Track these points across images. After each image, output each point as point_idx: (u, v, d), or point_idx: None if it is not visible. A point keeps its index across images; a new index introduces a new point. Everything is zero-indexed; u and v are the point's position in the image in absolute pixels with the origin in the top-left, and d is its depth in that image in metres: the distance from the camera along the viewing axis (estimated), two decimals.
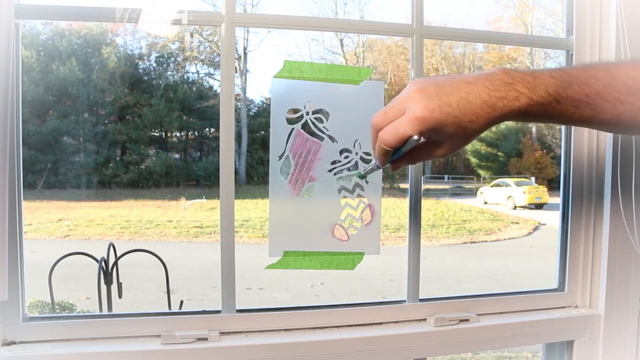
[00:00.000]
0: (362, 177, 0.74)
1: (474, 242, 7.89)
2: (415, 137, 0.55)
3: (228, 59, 0.86)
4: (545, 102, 0.55)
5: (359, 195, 0.91)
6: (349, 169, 0.90)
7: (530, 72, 0.56)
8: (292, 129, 0.88)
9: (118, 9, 0.82)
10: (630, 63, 0.58)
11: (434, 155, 0.61)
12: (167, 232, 7.22)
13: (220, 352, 0.83)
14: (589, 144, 1.02)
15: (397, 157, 0.60)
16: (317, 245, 0.90)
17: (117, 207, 7.95)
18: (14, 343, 0.81)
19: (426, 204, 9.10)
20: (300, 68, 0.87)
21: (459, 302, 0.99)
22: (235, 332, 0.88)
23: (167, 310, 2.02)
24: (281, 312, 0.91)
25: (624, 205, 0.97)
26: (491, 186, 10.44)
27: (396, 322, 0.95)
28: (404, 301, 0.97)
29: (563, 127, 1.04)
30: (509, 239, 8.06)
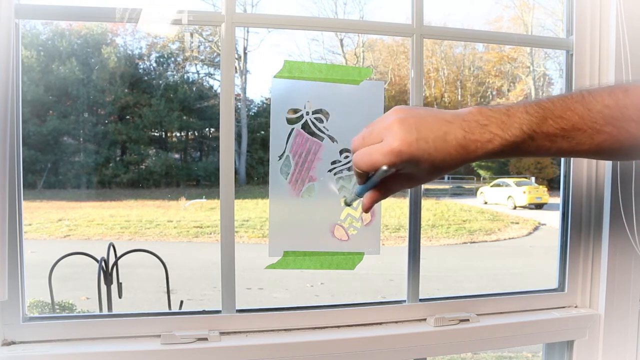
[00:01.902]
0: (348, 204, 0.75)
1: (474, 242, 7.89)
2: (385, 167, 0.55)
3: (228, 59, 0.86)
4: (519, 141, 0.56)
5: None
6: (348, 169, 0.90)
7: (505, 109, 0.56)
8: (292, 129, 0.88)
9: (118, 9, 0.82)
10: (605, 90, 0.57)
11: (405, 187, 0.62)
12: (167, 232, 7.22)
13: (220, 352, 0.83)
14: None
15: (373, 183, 0.60)
16: (317, 245, 0.90)
17: (117, 207, 7.95)
18: (14, 343, 0.81)
19: (426, 204, 9.10)
20: (300, 68, 0.87)
21: (459, 302, 0.99)
22: (235, 332, 0.88)
23: (167, 310, 2.02)
24: (281, 312, 0.91)
25: (623, 205, 0.97)
26: (491, 186, 10.44)
27: (396, 322, 0.95)
28: (404, 301, 0.97)
29: None
30: (509, 239, 8.05)
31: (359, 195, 0.64)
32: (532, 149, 0.57)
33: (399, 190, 0.65)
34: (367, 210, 0.65)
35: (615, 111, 0.55)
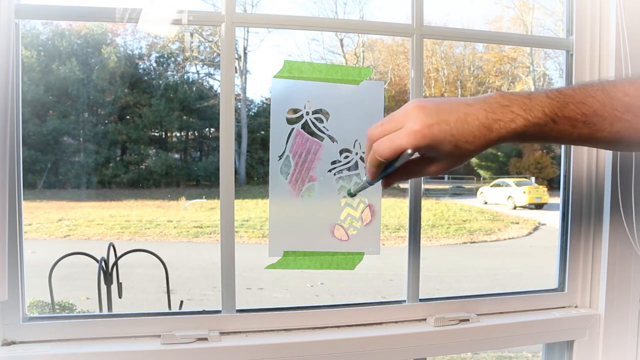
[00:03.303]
0: (352, 195, 0.74)
1: (474, 242, 7.89)
2: (409, 150, 0.55)
3: (228, 59, 0.86)
4: (542, 123, 0.56)
5: (359, 195, 0.91)
6: (348, 169, 0.90)
7: (526, 94, 0.57)
8: (292, 129, 0.88)
9: (118, 9, 0.82)
10: (626, 80, 0.58)
11: (427, 172, 0.62)
12: (167, 232, 7.22)
13: (220, 352, 0.83)
14: None
15: (390, 171, 0.60)
16: (317, 245, 0.90)
17: (117, 207, 7.95)
18: (14, 343, 0.81)
19: (426, 204, 9.10)
20: (300, 68, 0.87)
21: (459, 302, 0.99)
22: (235, 332, 0.88)
23: (167, 310, 2.02)
24: (281, 312, 0.91)
25: (623, 205, 0.97)
26: (491, 186, 10.44)
27: (396, 322, 0.95)
28: (404, 301, 0.97)
29: None
30: (509, 239, 8.05)
31: (371, 183, 0.63)
32: (555, 132, 0.57)
33: (419, 176, 0.64)
34: (387, 187, 0.65)
35: (635, 100, 0.56)
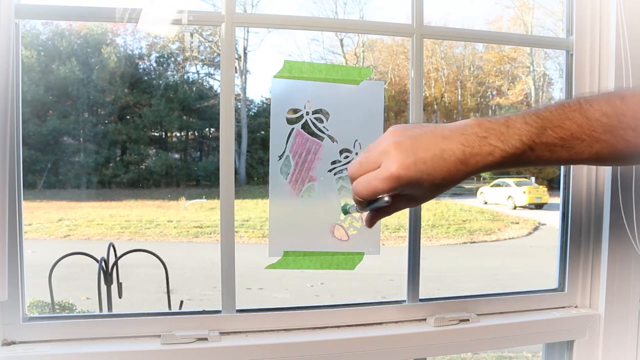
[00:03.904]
0: (346, 212, 0.75)
1: (474, 242, 7.89)
2: (386, 198, 0.56)
3: (228, 59, 0.86)
4: (519, 152, 0.56)
5: None
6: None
7: (504, 121, 0.56)
8: (292, 129, 0.88)
9: (118, 9, 0.82)
10: (603, 98, 0.57)
11: (407, 206, 0.63)
12: (167, 232, 7.22)
13: (220, 352, 0.83)
14: None
15: (372, 208, 0.60)
16: (317, 245, 0.90)
17: (117, 207, 7.94)
18: (14, 343, 0.81)
19: (426, 204, 9.08)
20: (300, 68, 0.87)
21: (459, 302, 0.99)
22: (235, 332, 0.88)
23: (167, 310, 2.03)
24: (281, 312, 0.91)
25: (623, 205, 0.97)
26: (491, 186, 10.43)
27: (396, 322, 0.95)
28: (404, 301, 0.97)
29: None
30: (509, 239, 8.05)
31: (358, 211, 0.64)
32: (532, 159, 0.57)
33: (401, 209, 0.65)
34: (370, 226, 0.66)
35: (612, 119, 0.55)
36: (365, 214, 0.65)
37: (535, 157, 0.57)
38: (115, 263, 1.72)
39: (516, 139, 0.55)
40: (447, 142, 0.55)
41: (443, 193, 0.60)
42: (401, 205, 0.63)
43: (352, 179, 0.59)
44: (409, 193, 0.58)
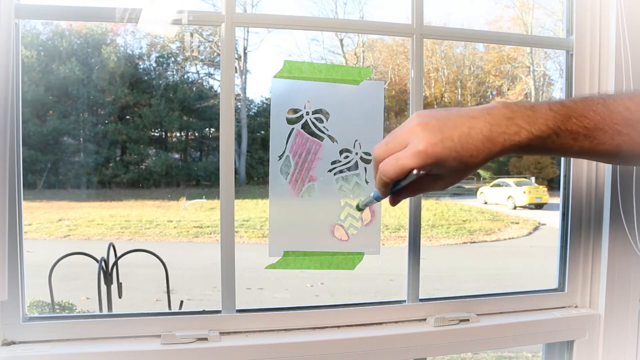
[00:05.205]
0: (360, 210, 0.74)
1: (474, 242, 7.89)
2: (415, 171, 0.55)
3: (228, 59, 0.86)
4: (545, 136, 0.56)
5: (359, 195, 0.91)
6: (349, 169, 0.90)
7: (529, 106, 0.57)
8: (292, 129, 0.88)
9: (118, 9, 0.82)
10: (626, 95, 0.58)
11: (434, 188, 0.62)
12: (167, 232, 7.22)
13: (220, 352, 0.83)
14: None
15: (397, 190, 0.60)
16: (317, 245, 0.90)
17: (117, 207, 7.94)
18: (14, 343, 0.81)
19: (426, 204, 9.09)
20: (300, 68, 0.87)
21: (459, 302, 0.99)
22: (235, 332, 0.88)
23: (167, 310, 2.03)
24: (281, 312, 0.91)
25: (623, 205, 0.97)
26: (491, 186, 10.42)
27: (396, 322, 0.95)
28: (404, 301, 0.97)
29: None
30: (509, 239, 8.05)
31: (377, 199, 0.64)
32: (557, 145, 0.57)
33: (426, 192, 0.64)
34: (394, 204, 0.65)
35: (635, 114, 0.56)
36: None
37: (560, 143, 0.57)
38: (115, 263, 1.72)
39: (542, 122, 0.56)
40: (474, 121, 0.55)
41: (463, 179, 0.59)
42: (426, 185, 0.62)
43: (378, 161, 0.59)
44: (435, 172, 0.58)
